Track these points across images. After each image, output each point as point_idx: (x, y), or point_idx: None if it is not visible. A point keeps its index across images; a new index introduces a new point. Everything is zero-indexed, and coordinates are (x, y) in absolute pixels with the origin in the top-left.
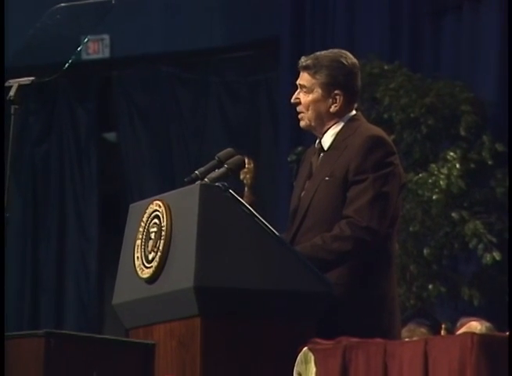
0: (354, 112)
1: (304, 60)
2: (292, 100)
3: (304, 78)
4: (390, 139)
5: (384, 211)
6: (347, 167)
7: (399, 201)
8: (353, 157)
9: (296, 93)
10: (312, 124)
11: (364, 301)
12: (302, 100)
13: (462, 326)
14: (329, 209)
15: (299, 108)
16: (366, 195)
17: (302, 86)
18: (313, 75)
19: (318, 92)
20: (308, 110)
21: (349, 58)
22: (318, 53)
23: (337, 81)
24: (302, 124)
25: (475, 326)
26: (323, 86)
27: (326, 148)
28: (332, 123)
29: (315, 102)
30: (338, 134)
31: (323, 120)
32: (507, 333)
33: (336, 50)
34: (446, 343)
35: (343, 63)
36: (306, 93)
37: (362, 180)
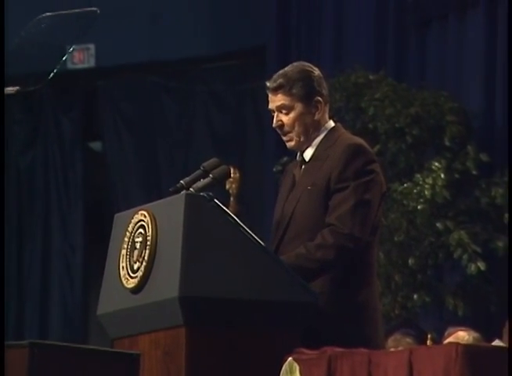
0: (333, 124)
1: (272, 82)
2: (274, 125)
3: (279, 99)
4: (373, 149)
5: (366, 218)
6: (329, 176)
7: (380, 210)
8: (334, 166)
9: (275, 117)
10: (302, 139)
11: (345, 308)
12: (285, 121)
13: (449, 335)
14: (312, 218)
15: (284, 130)
16: (348, 202)
17: (280, 107)
18: (289, 92)
19: (299, 106)
20: (294, 127)
21: (312, 66)
22: (281, 72)
23: (314, 88)
24: (291, 144)
25: (462, 336)
26: (303, 98)
27: (307, 159)
28: (316, 133)
29: (300, 116)
30: (319, 145)
31: (310, 131)
32: (492, 343)
33: (296, 63)
34: (431, 353)
35: (311, 72)
36: (287, 113)
37: (343, 188)
